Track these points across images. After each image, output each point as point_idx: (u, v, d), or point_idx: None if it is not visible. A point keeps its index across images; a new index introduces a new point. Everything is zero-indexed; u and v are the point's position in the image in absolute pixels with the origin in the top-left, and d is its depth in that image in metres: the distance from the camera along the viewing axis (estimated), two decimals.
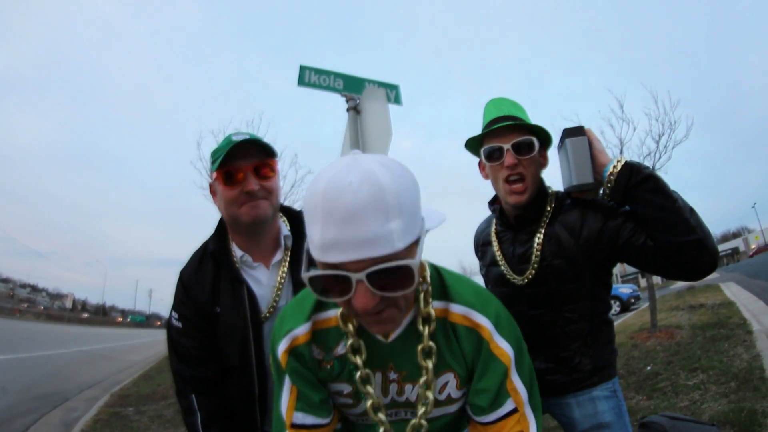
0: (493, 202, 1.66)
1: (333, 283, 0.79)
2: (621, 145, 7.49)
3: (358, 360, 0.98)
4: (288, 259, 1.49)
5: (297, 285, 1.46)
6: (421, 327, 0.97)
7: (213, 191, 1.50)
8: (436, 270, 1.05)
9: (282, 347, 1.03)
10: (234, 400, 1.43)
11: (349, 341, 0.98)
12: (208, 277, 1.45)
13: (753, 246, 62.49)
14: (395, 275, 0.77)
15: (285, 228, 1.54)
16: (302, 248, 1.45)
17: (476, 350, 1.00)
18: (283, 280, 1.47)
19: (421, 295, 0.97)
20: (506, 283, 1.55)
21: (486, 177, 1.55)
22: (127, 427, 5.65)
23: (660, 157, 7.38)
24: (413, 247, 0.80)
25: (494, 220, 1.68)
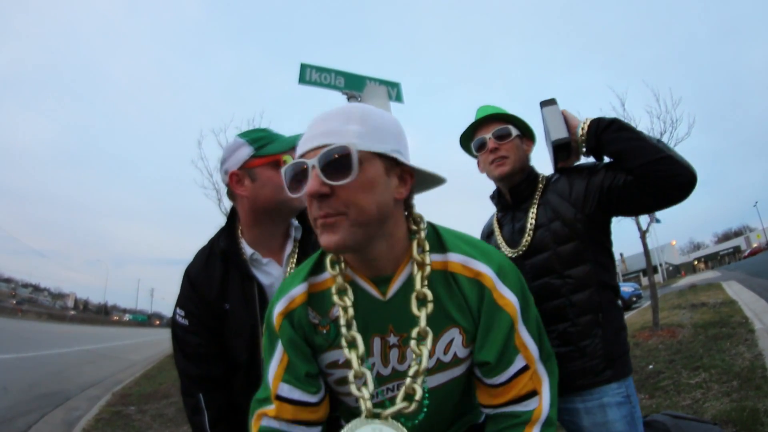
0: (493, 196, 1.81)
1: (297, 176, 0.89)
2: None
3: (343, 319, 0.96)
4: (297, 251, 1.49)
5: None
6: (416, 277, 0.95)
7: (239, 180, 1.41)
8: (433, 227, 1.04)
9: (278, 309, 1.03)
10: (240, 396, 1.41)
11: (338, 303, 0.96)
12: (217, 274, 1.43)
13: (755, 244, 62.39)
14: (341, 163, 0.84)
15: (295, 223, 1.54)
16: (310, 240, 1.46)
17: (480, 300, 0.98)
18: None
19: (414, 242, 0.98)
20: None
21: (482, 171, 1.72)
22: (128, 426, 5.66)
23: None
24: (373, 157, 0.88)
25: (495, 215, 1.79)
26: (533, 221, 1.57)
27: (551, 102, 1.64)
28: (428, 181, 1.01)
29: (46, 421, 5.66)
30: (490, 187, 1.78)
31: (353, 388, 0.94)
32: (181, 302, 1.46)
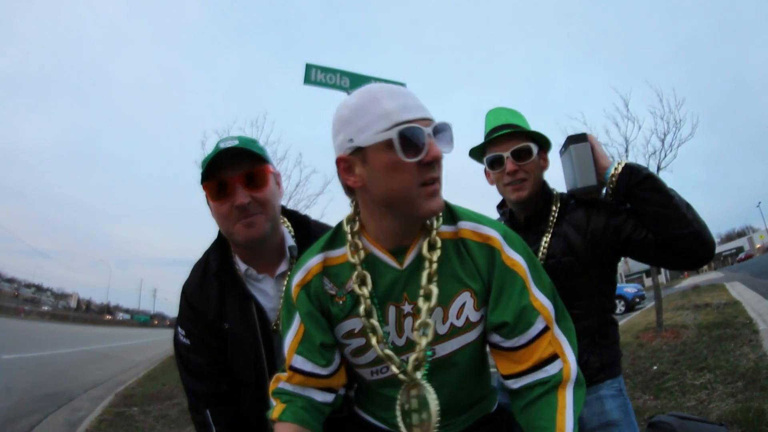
0: (502, 206, 1.76)
1: (409, 138, 0.92)
2: (626, 143, 7.48)
3: (365, 291, 1.02)
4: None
5: None
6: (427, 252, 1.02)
7: (209, 204, 1.38)
8: (444, 202, 1.10)
9: (295, 280, 1.10)
10: (248, 412, 1.40)
11: (356, 272, 1.03)
12: (213, 293, 1.39)
13: (758, 245, 62.13)
14: (448, 134, 0.98)
15: (290, 237, 1.46)
16: None
17: (490, 263, 1.04)
18: None
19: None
20: None
21: (492, 183, 1.64)
22: (131, 427, 5.66)
23: (665, 156, 7.37)
24: None
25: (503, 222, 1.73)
26: (545, 251, 1.52)
27: (582, 138, 1.50)
28: None
29: (49, 422, 5.66)
30: (492, 191, 1.70)
31: (379, 351, 1.01)
32: (180, 321, 1.43)
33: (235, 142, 1.28)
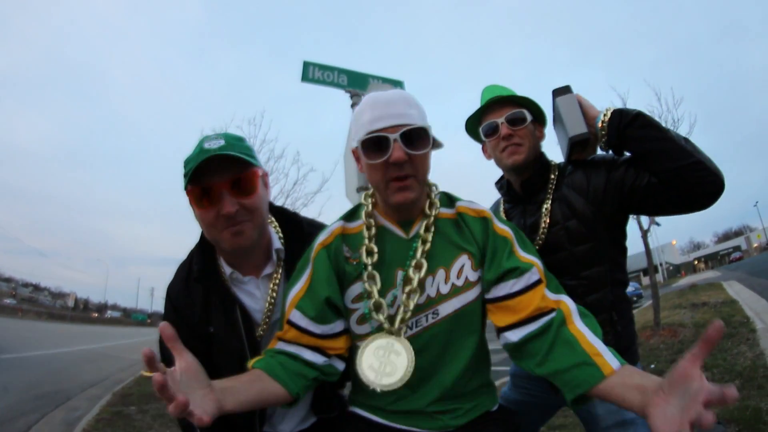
0: (499, 181, 1.71)
1: (376, 144, 1.09)
2: None
3: (369, 260, 1.16)
4: (280, 271, 1.38)
5: None
6: (424, 230, 1.18)
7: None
8: (444, 193, 1.28)
9: (320, 239, 1.24)
10: (234, 416, 1.39)
11: (364, 245, 1.17)
12: (198, 296, 1.35)
13: (755, 244, 62.31)
14: (420, 136, 1.10)
15: (277, 239, 1.41)
16: (299, 255, 1.32)
17: (484, 231, 1.19)
18: (275, 293, 1.36)
19: (428, 202, 1.21)
20: None
21: (489, 157, 1.62)
22: (129, 426, 5.65)
23: None
24: (428, 133, 1.13)
25: (501, 202, 1.70)
26: (547, 218, 1.48)
27: (566, 90, 1.50)
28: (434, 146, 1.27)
29: (47, 421, 5.65)
30: (490, 179, 1.70)
31: (373, 314, 1.13)
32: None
33: (221, 142, 1.21)
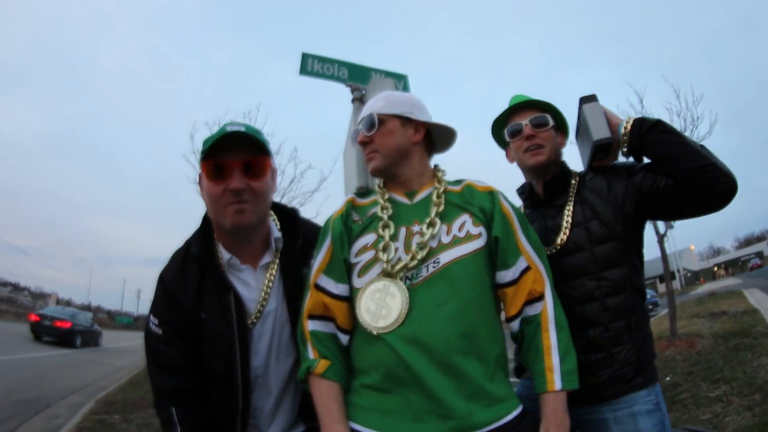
0: (521, 188, 1.82)
1: (359, 131, 1.46)
2: None
3: (385, 215, 1.37)
4: (278, 261, 1.47)
5: (288, 286, 1.45)
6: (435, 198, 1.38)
7: (201, 184, 1.44)
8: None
9: (334, 212, 1.44)
10: (215, 411, 1.40)
11: (379, 204, 1.40)
12: (193, 281, 1.41)
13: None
14: (372, 122, 1.42)
15: (275, 229, 1.52)
16: (295, 247, 1.48)
17: (490, 202, 1.37)
18: (271, 283, 1.44)
19: (436, 179, 1.44)
20: None
21: (512, 160, 1.77)
22: None
23: None
24: (391, 117, 1.42)
25: (522, 208, 1.76)
26: (569, 219, 1.60)
27: (592, 98, 1.66)
28: (444, 135, 1.52)
29: (25, 430, 5.66)
30: (502, 185, 1.77)
31: (380, 254, 1.30)
32: (154, 310, 1.43)
33: (242, 128, 1.37)
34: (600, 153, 1.62)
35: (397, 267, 1.26)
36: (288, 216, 1.58)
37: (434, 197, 1.38)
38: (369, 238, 1.35)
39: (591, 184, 1.64)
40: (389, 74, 3.73)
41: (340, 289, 1.34)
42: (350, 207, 1.44)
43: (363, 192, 1.52)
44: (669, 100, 7.90)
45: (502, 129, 1.74)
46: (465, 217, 1.34)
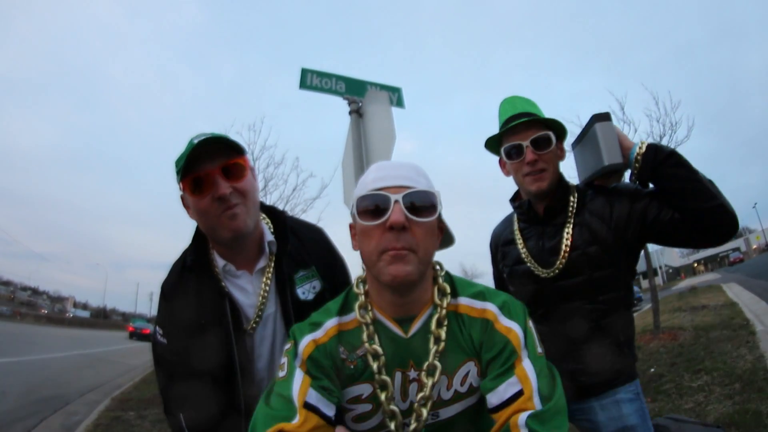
0: (515, 199, 1.71)
1: (375, 204, 0.97)
2: None
3: (375, 365, 1.03)
4: (272, 264, 1.42)
5: (283, 290, 1.40)
6: (434, 325, 1.04)
7: (186, 204, 1.36)
8: (448, 274, 1.13)
9: (312, 336, 1.06)
10: (222, 415, 1.37)
11: (370, 346, 1.04)
12: (191, 290, 1.38)
13: (754, 246, 62.37)
14: (425, 203, 0.98)
15: (268, 232, 1.46)
16: (286, 250, 1.40)
17: (483, 332, 1.05)
18: (267, 287, 1.40)
19: (436, 287, 1.08)
20: (535, 280, 1.56)
21: (507, 174, 1.61)
22: None
23: None
24: (436, 209, 1.00)
25: (515, 219, 1.70)
26: (569, 243, 1.50)
27: (606, 117, 1.48)
28: (445, 240, 1.13)
29: (45, 426, 5.63)
30: (494, 193, 1.73)
31: (386, 406, 1.03)
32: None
33: (209, 135, 1.29)
34: (606, 175, 1.50)
35: (396, 421, 1.04)
36: (278, 219, 1.51)
37: (433, 326, 1.04)
38: (363, 388, 1.06)
39: (592, 206, 1.51)
40: (384, 87, 3.72)
41: (333, 411, 1.01)
42: (335, 342, 1.07)
43: (347, 300, 1.12)
44: (648, 106, 7.99)
45: (498, 146, 1.58)
46: (469, 366, 1.05)
